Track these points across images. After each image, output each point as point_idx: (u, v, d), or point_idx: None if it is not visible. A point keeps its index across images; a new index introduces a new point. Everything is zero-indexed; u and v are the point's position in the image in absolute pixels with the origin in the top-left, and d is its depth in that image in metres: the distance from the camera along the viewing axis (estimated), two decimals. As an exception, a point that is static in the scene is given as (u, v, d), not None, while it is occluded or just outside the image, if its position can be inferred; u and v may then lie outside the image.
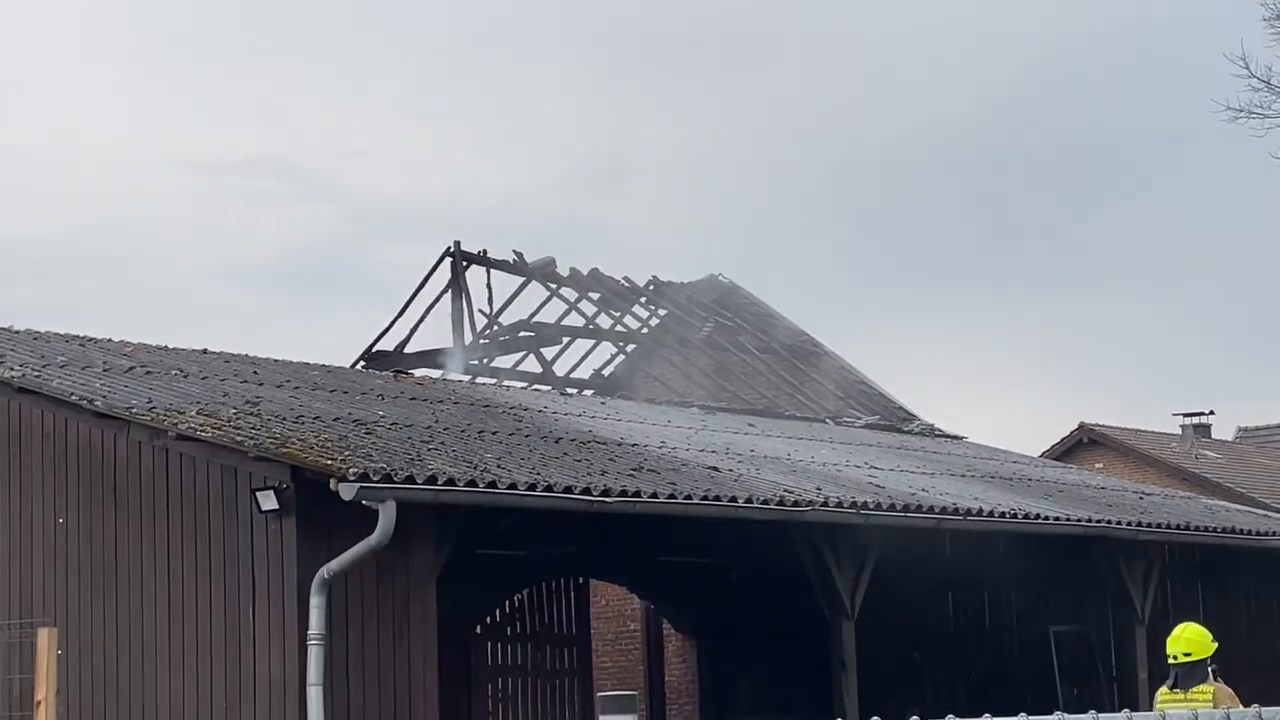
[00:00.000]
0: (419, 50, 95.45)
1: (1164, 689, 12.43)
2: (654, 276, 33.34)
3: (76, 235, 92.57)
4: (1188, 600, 26.64)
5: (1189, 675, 12.72)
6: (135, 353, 21.00)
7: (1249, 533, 26.32)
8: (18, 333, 20.32)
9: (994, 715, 8.73)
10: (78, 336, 21.32)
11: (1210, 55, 48.36)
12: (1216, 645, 13.24)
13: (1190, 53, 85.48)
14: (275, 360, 23.51)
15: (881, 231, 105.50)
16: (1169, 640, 13.26)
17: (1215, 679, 12.62)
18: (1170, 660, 13.03)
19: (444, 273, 29.67)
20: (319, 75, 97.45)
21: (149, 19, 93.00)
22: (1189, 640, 13.04)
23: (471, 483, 15.35)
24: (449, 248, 29.53)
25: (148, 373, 19.42)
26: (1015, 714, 8.60)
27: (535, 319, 31.02)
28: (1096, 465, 41.74)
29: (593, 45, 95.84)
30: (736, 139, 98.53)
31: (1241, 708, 8.93)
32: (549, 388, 29.10)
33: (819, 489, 20.19)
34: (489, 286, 30.11)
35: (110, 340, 21.55)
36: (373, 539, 14.41)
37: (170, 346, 22.20)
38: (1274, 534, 27.10)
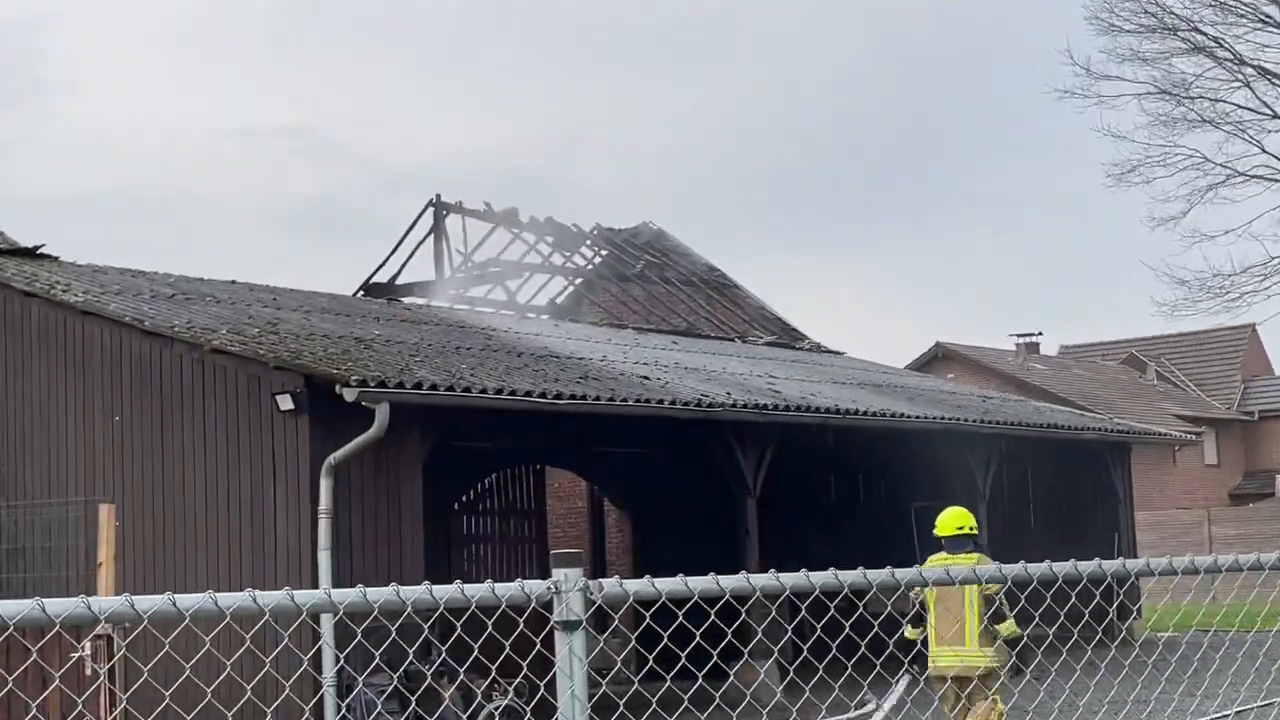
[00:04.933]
0: (412, 37, 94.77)
1: (937, 556, 12.31)
2: (597, 223, 32.87)
3: (132, 187, 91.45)
4: (1017, 481, 26.68)
5: (958, 545, 12.77)
6: (176, 283, 20.64)
7: (1067, 428, 26.42)
8: (80, 267, 19.95)
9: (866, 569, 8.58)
10: (130, 270, 20.92)
11: (1039, 49, 48.54)
12: (977, 527, 13.30)
13: (1025, 46, 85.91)
14: (291, 289, 23.18)
15: (787, 186, 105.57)
16: (940, 520, 13.16)
17: (978, 549, 12.86)
18: (946, 535, 13.11)
19: (428, 219, 29.23)
20: (332, 59, 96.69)
21: (197, 16, 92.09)
22: (960, 517, 13.15)
23: (450, 388, 15.21)
24: (431, 199, 29.04)
25: (187, 299, 19.11)
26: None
27: (501, 256, 30.63)
28: (949, 375, 41.98)
29: (561, 41, 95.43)
30: (677, 118, 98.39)
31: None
32: (512, 313, 28.77)
33: (729, 393, 20.10)
34: (464, 231, 29.64)
35: (156, 273, 21.19)
36: (370, 433, 14.30)
37: (204, 278, 21.82)
38: (1087, 428, 27.21)
